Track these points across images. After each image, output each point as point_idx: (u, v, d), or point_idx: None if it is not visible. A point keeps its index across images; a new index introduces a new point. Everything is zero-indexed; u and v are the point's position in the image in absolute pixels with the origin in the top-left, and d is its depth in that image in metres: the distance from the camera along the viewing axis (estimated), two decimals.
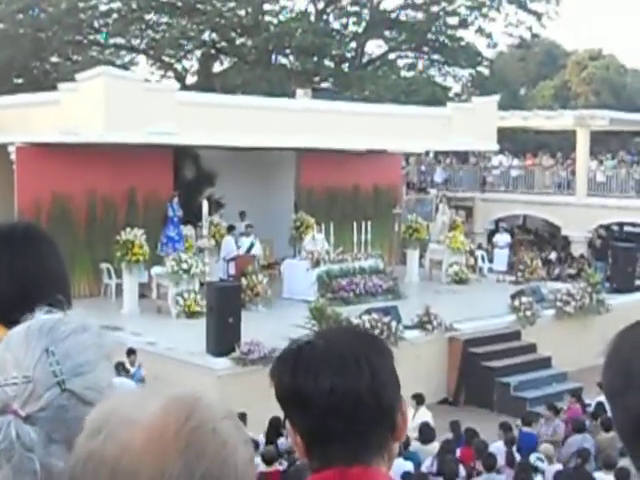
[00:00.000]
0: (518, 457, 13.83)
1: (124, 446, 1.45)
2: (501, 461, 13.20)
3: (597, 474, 12.55)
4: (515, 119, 38.15)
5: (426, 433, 14.28)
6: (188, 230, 24.09)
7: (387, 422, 2.18)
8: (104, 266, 23.18)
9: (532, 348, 21.75)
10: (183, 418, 1.48)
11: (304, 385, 2.15)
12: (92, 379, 1.89)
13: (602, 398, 17.18)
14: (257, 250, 24.49)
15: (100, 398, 1.90)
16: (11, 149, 22.98)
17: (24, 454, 1.78)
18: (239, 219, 25.77)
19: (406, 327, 19.94)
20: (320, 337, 2.33)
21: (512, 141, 42.33)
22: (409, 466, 12.45)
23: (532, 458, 13.56)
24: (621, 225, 37.27)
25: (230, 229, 24.53)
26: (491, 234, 35.43)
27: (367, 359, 2.18)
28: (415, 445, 14.02)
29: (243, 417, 14.45)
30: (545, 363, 21.45)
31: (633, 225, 36.37)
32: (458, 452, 14.02)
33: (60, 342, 1.90)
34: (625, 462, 12.86)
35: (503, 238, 31.61)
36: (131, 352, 17.02)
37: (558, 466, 13.37)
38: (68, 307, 2.59)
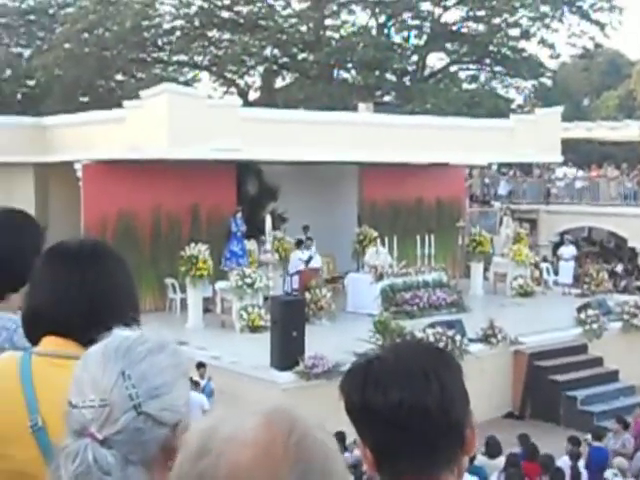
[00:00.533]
0: (585, 472, 13.66)
1: (235, 464, 1.46)
2: (567, 477, 13.06)
3: None
4: (579, 130, 37.90)
5: (492, 447, 14.18)
6: (251, 245, 24.19)
7: (456, 436, 2.17)
8: (169, 281, 23.38)
9: (599, 361, 21.49)
10: (287, 432, 1.50)
11: (373, 399, 2.15)
12: (168, 400, 1.92)
13: None
14: (316, 263, 24.54)
15: (177, 418, 1.93)
16: (77, 166, 23.30)
17: (102, 478, 1.81)
18: (302, 233, 25.86)
19: (470, 340, 19.82)
20: (389, 351, 2.33)
21: (576, 152, 41.91)
22: None
23: (609, 474, 13.38)
24: None
25: (299, 244, 24.62)
26: (556, 246, 35.03)
27: (436, 373, 2.18)
28: (481, 459, 13.92)
29: None
30: (612, 377, 21.16)
31: None
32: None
33: (136, 364, 1.93)
34: None
35: (568, 250, 31.20)
36: (201, 365, 17.16)
37: None
38: (137, 323, 2.64)
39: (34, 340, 2.70)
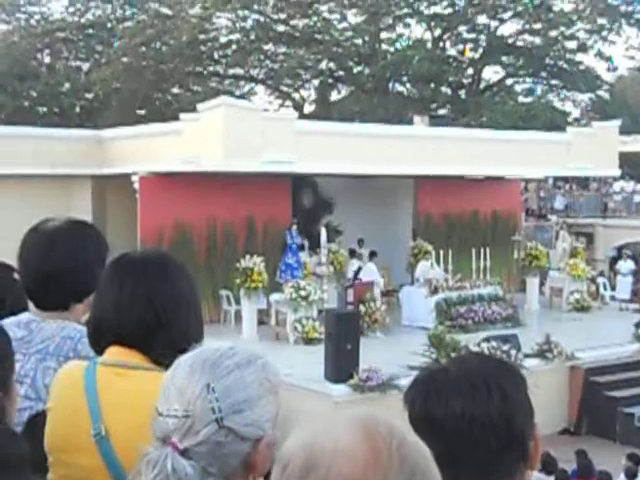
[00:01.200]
0: None
1: (346, 475, 1.47)
2: None
3: None
4: (637, 144, 37.43)
5: (548, 463, 14.02)
6: (306, 257, 24.18)
7: (518, 449, 2.16)
8: (224, 293, 23.46)
9: None
10: (388, 437, 1.51)
11: (435, 409, 2.16)
12: (251, 416, 1.93)
13: None
14: (367, 275, 24.49)
15: (259, 433, 1.94)
16: (134, 178, 23.49)
17: None
18: (357, 246, 25.90)
19: (526, 355, 19.64)
20: (453, 363, 2.35)
21: (634, 166, 41.43)
22: None
23: None
24: None
25: (372, 255, 24.72)
26: (613, 261, 34.63)
27: (498, 385, 2.17)
28: (537, 476, 13.75)
29: None
30: None
31: None
32: None
33: (222, 378, 1.95)
34: None
35: (627, 265, 30.87)
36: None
37: None
38: (200, 332, 2.66)
39: (99, 350, 2.73)
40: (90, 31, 46.29)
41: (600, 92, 46.55)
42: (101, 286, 2.79)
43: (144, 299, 2.65)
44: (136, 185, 23.52)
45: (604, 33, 42.70)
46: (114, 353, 2.66)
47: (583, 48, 43.27)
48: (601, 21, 42.16)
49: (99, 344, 2.73)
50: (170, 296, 2.68)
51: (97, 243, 3.33)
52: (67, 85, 44.90)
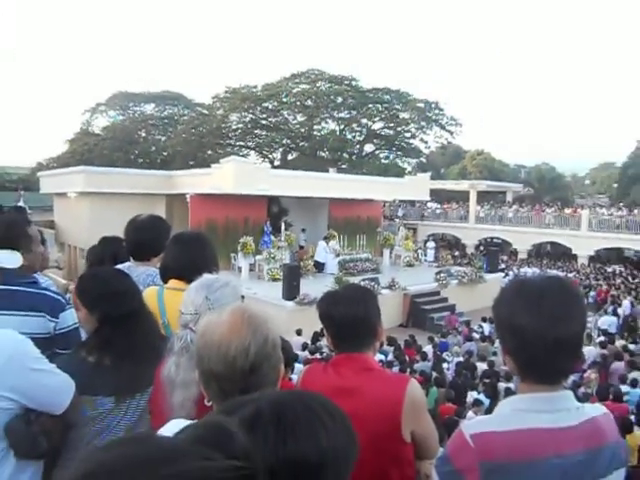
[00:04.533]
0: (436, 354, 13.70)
1: (220, 335, 1.48)
2: (429, 356, 13.11)
3: (478, 364, 12.43)
4: (438, 184, 37.97)
5: (391, 340, 14.16)
6: (274, 237, 23.99)
7: (372, 331, 2.19)
8: (232, 255, 23.18)
9: (446, 299, 21.52)
10: (242, 313, 1.52)
11: (332, 311, 2.17)
12: None
13: (483, 325, 17.00)
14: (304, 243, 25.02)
15: None
16: (187, 197, 23.16)
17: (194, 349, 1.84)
18: (301, 233, 25.89)
19: (382, 288, 19.83)
20: (343, 288, 2.36)
21: (437, 195, 41.98)
22: (382, 357, 12.37)
23: (445, 355, 13.46)
24: (492, 238, 36.94)
25: (326, 238, 24.45)
26: (425, 242, 35.14)
27: (364, 299, 2.19)
28: (385, 347, 13.90)
29: (300, 331, 14.38)
30: (452, 307, 21.19)
31: (498, 238, 36.13)
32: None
33: (214, 292, 1.95)
34: (495, 359, 12.71)
35: (431, 244, 31.30)
36: (242, 297, 17.01)
37: (459, 359, 13.26)
38: (217, 271, 2.64)
39: (165, 281, 2.72)
40: (165, 120, 45.54)
41: (421, 159, 46.97)
42: (167, 248, 2.77)
43: (188, 255, 2.64)
44: (188, 201, 23.16)
45: (424, 129, 43.04)
46: (172, 283, 2.65)
47: (413, 136, 43.56)
48: (423, 123, 42.49)
49: (165, 278, 2.72)
50: (201, 254, 2.67)
51: (165, 226, 3.30)
52: (153, 148, 44.14)
